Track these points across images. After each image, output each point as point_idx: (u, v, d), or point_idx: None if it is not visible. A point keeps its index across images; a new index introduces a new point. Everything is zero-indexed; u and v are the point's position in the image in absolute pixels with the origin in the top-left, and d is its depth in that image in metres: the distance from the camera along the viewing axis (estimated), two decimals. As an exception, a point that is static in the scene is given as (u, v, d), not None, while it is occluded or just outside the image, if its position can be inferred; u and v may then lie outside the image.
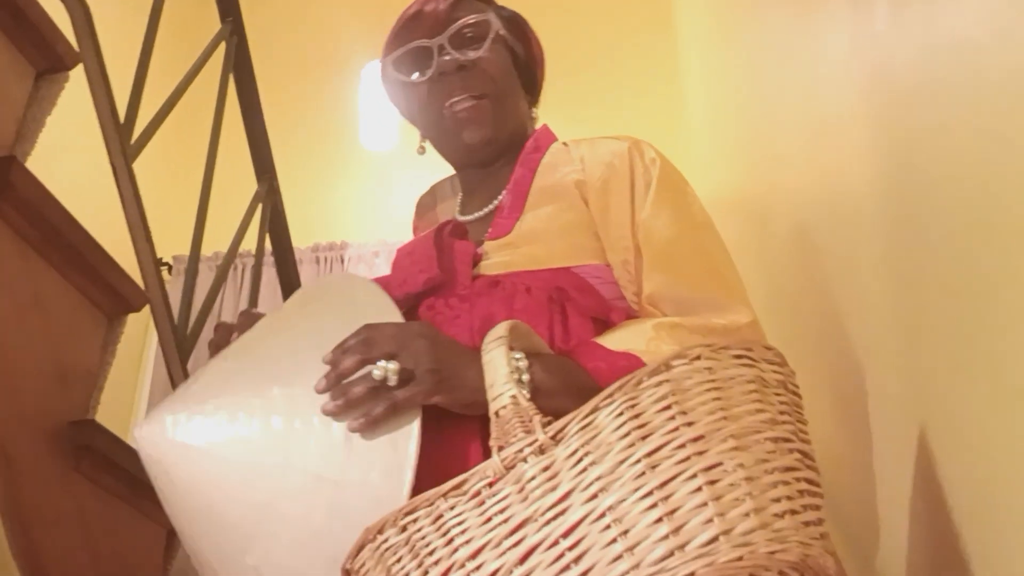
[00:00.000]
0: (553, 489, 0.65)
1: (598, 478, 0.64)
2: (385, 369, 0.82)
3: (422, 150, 1.19)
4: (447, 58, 1.09)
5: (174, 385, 1.55)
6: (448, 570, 0.66)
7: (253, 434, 0.83)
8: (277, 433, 0.83)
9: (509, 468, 0.67)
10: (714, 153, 2.60)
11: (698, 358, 0.69)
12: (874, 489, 1.11)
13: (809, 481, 0.69)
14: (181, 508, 0.86)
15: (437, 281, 1.00)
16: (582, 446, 0.66)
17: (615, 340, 0.93)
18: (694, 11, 2.83)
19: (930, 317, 0.86)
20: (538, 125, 1.22)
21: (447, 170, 1.25)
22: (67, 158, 2.18)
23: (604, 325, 0.99)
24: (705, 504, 0.63)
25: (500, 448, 0.69)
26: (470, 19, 1.10)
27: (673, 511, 0.63)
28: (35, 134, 1.30)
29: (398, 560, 0.69)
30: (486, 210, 1.13)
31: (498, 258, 1.04)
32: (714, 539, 0.62)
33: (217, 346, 0.99)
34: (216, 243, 2.35)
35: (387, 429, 0.82)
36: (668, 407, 0.67)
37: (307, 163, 3.35)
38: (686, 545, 0.62)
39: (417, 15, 1.12)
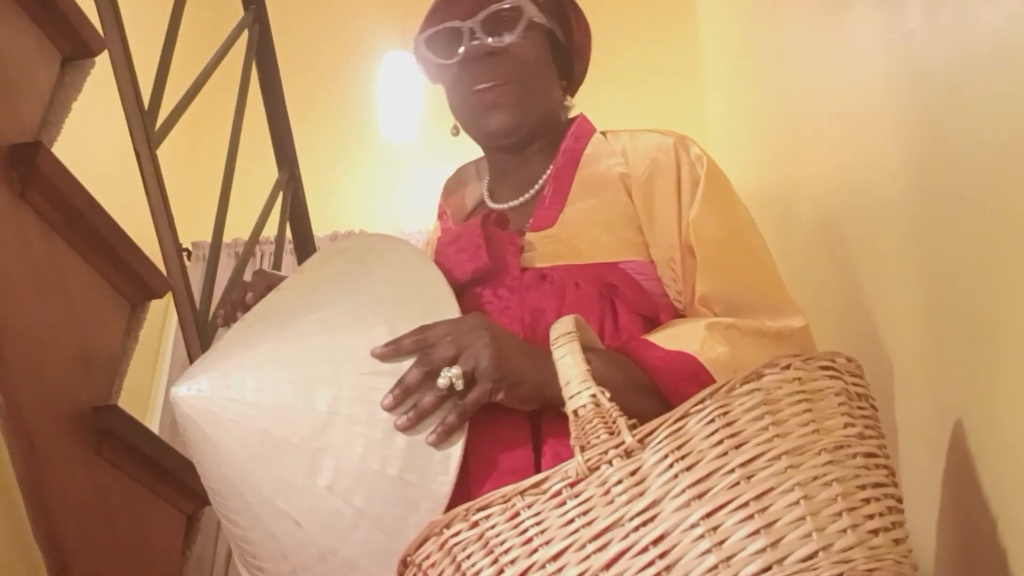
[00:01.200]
0: (641, 495, 0.64)
1: (690, 486, 0.64)
2: (450, 378, 0.82)
3: (456, 130, 1.17)
4: (476, 43, 1.08)
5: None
6: (527, 570, 0.66)
7: (299, 406, 0.84)
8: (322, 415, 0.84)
9: (592, 469, 0.66)
10: (736, 144, 2.58)
11: (788, 367, 0.69)
12: (900, 482, 1.10)
13: (896, 499, 0.69)
14: (231, 458, 0.85)
15: (486, 271, 0.98)
16: (672, 452, 0.65)
17: (668, 338, 0.92)
18: (717, 1, 2.81)
19: (957, 310, 0.86)
20: (573, 114, 1.20)
21: (467, 160, 1.24)
22: (91, 144, 2.19)
23: (652, 322, 0.99)
24: (803, 519, 0.63)
25: (582, 448, 0.68)
26: (504, 4, 1.08)
27: (771, 524, 0.62)
28: (61, 120, 1.31)
29: (468, 556, 0.68)
30: (523, 199, 1.11)
31: (542, 249, 1.03)
32: (813, 555, 0.62)
33: (233, 305, 1.00)
34: (236, 230, 2.35)
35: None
36: (761, 417, 0.66)
37: (327, 152, 3.36)
38: (784, 560, 0.62)
39: None
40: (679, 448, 0.65)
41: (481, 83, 1.08)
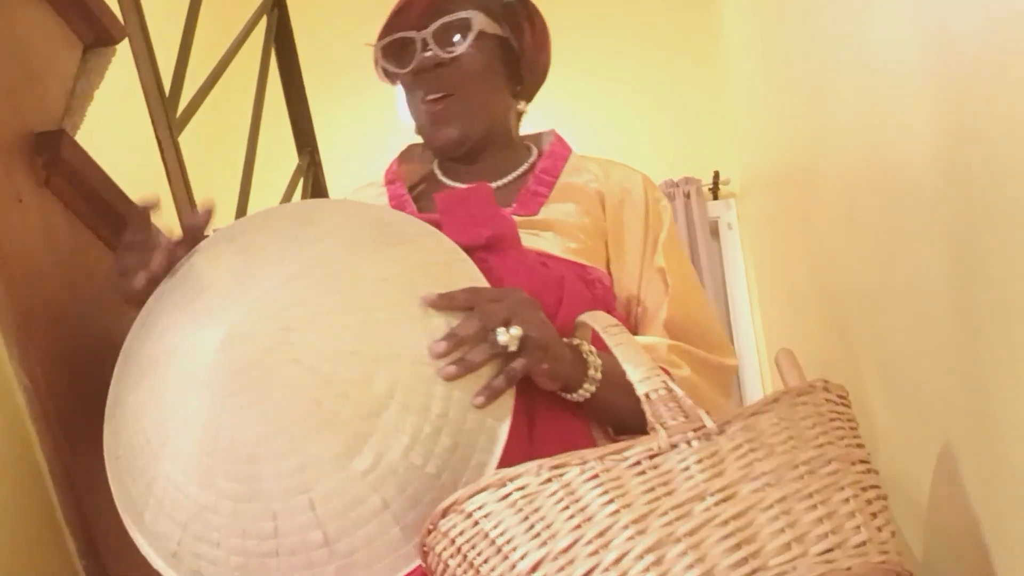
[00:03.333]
0: (719, 475, 0.72)
1: (764, 473, 0.72)
2: (509, 336, 0.84)
3: (419, 131, 1.22)
4: (428, 54, 1.12)
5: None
6: (606, 530, 0.69)
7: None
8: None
9: (672, 446, 0.72)
10: (758, 124, 2.55)
11: (826, 389, 0.81)
12: (927, 473, 1.10)
13: (885, 498, 0.81)
14: (259, 420, 0.81)
15: (502, 240, 1.01)
16: (746, 442, 0.74)
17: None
18: (739, -20, 2.77)
19: (990, 299, 0.84)
20: (535, 123, 1.28)
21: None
22: (113, 131, 2.20)
23: None
24: (854, 513, 0.74)
25: (663, 425, 0.74)
26: (450, 18, 1.11)
27: (831, 514, 0.73)
28: (84, 107, 1.31)
29: (536, 510, 0.71)
30: (501, 182, 1.16)
31: (522, 234, 1.06)
32: (864, 543, 0.73)
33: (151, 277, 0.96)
34: (258, 216, 2.36)
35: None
36: (814, 426, 0.77)
37: (347, 137, 3.36)
38: (843, 544, 0.72)
39: (407, 6, 1.14)
40: (752, 440, 0.74)
41: (430, 94, 1.13)
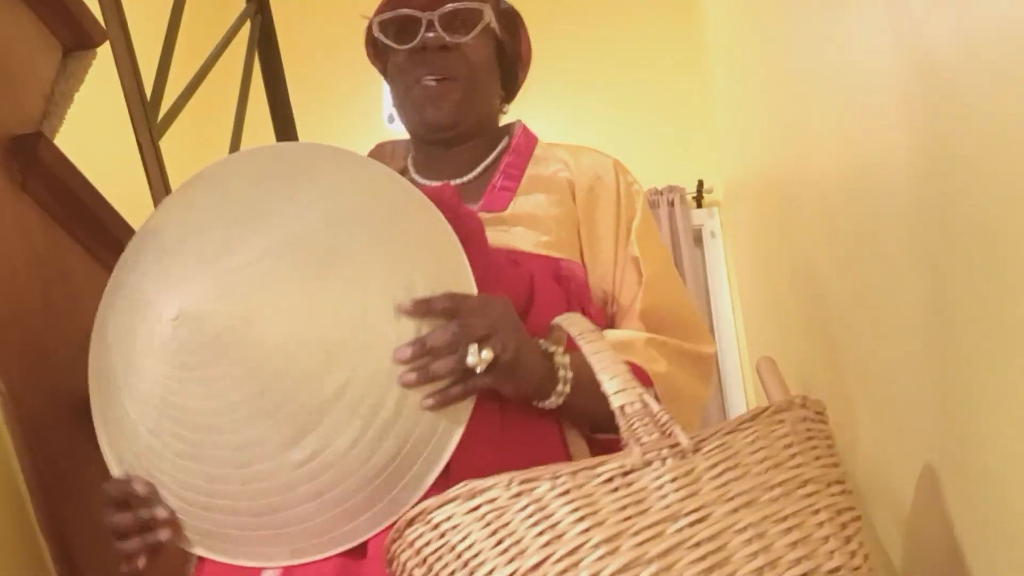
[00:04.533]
0: (694, 495, 0.71)
1: (740, 494, 0.71)
2: (479, 359, 0.82)
3: (391, 119, 1.21)
4: (432, 35, 1.10)
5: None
6: (576, 549, 0.68)
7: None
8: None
9: (647, 464, 0.71)
10: (741, 133, 2.57)
11: (804, 406, 0.80)
12: (902, 479, 1.10)
13: (859, 519, 0.80)
14: (208, 396, 0.82)
15: (471, 238, 0.98)
16: (722, 461, 0.73)
17: (612, 346, 0.98)
18: (722, -10, 2.79)
19: (961, 303, 0.85)
20: (510, 119, 1.25)
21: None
22: (94, 135, 2.19)
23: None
24: (828, 538, 0.73)
25: (638, 441, 0.73)
26: (463, 4, 1.10)
27: (805, 538, 0.72)
28: (63, 111, 1.31)
29: (505, 524, 0.69)
30: (463, 179, 1.14)
31: (492, 232, 1.04)
32: (837, 568, 0.72)
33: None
34: (240, 221, 2.35)
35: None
36: (791, 445, 0.76)
37: (330, 141, 3.35)
38: (816, 569, 0.71)
39: None
40: (728, 459, 0.73)
41: (430, 75, 1.10)
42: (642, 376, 0.96)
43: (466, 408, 0.85)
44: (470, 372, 0.82)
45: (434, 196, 0.96)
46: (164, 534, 0.86)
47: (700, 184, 3.34)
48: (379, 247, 0.86)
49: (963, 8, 0.80)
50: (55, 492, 1.08)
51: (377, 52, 1.21)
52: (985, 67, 0.76)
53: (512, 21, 1.21)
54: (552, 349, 0.93)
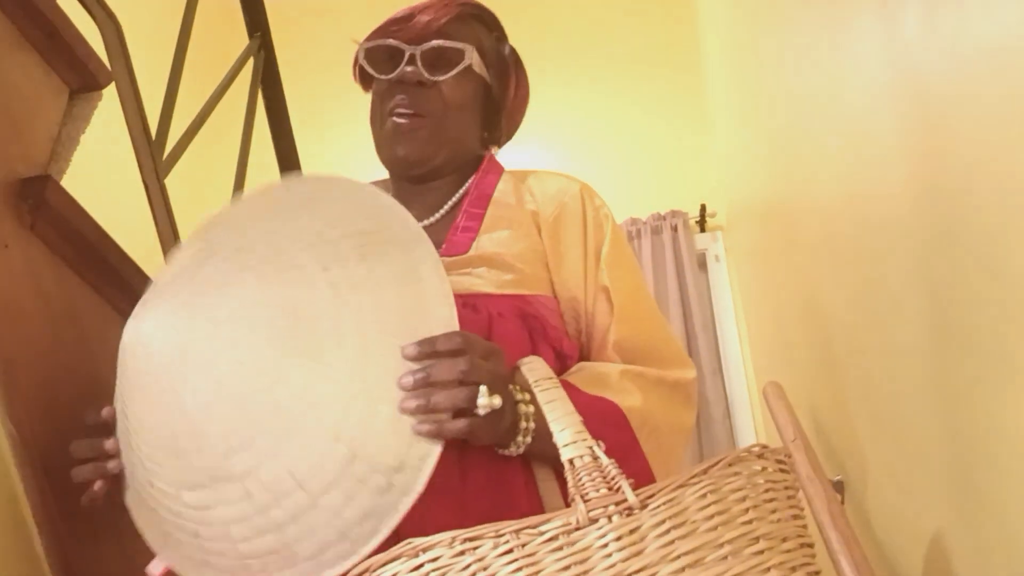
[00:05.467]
0: (638, 554, 0.69)
1: (686, 553, 0.70)
2: (489, 402, 0.80)
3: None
4: (411, 69, 1.11)
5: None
6: None
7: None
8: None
9: (592, 521, 0.70)
10: (739, 159, 2.58)
11: (761, 456, 0.77)
12: (905, 501, 1.10)
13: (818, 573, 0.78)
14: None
15: None
16: (670, 518, 0.71)
17: (588, 382, 0.98)
18: (718, 15, 2.82)
19: (962, 327, 0.85)
20: (494, 153, 1.24)
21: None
22: (100, 175, 2.21)
23: (560, 355, 1.04)
24: None
25: (583, 498, 0.72)
26: (447, 44, 1.11)
27: None
28: (69, 152, 1.32)
29: None
30: (426, 222, 1.13)
31: (454, 276, 1.02)
32: None
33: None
34: (246, 256, 2.36)
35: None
36: (744, 499, 0.74)
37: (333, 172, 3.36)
38: None
39: (407, 18, 1.14)
40: (675, 516, 0.71)
41: (402, 108, 1.11)
42: (615, 414, 0.95)
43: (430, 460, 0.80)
44: (468, 411, 0.81)
45: None
46: (113, 464, 0.90)
47: (703, 208, 3.35)
48: (367, 295, 0.83)
49: (956, 35, 0.81)
50: (66, 536, 1.08)
51: (362, 76, 1.22)
52: (979, 92, 0.77)
53: (505, 66, 1.21)
54: (519, 397, 0.90)
